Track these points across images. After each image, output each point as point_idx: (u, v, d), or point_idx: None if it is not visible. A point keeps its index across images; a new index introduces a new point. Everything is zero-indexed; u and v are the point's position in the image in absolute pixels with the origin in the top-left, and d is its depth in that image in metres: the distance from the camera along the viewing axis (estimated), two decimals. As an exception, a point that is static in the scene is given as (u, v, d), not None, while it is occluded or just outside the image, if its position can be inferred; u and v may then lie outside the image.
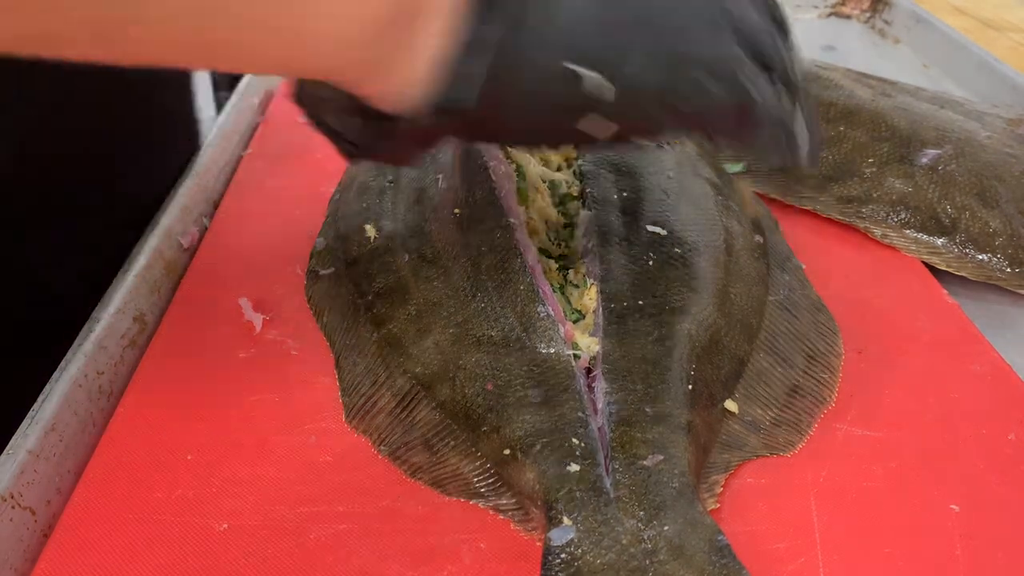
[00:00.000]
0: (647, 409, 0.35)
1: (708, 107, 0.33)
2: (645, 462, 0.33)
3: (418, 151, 0.35)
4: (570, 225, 0.46)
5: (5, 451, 0.35)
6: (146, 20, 0.25)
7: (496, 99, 0.30)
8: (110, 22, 0.24)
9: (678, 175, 0.49)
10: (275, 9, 0.26)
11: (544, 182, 0.48)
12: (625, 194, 0.46)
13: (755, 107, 0.33)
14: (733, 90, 0.32)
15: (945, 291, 0.49)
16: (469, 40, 0.29)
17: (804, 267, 0.49)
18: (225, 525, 0.34)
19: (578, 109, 0.31)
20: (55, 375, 0.39)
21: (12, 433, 0.36)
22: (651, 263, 0.42)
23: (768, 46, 0.33)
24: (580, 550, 0.30)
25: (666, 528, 0.31)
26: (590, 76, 0.30)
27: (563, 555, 0.30)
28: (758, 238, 0.49)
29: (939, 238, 0.51)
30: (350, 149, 0.34)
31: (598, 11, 0.30)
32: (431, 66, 0.29)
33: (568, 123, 0.32)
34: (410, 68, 0.29)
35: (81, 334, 0.41)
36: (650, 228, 0.44)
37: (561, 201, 0.48)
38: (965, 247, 0.51)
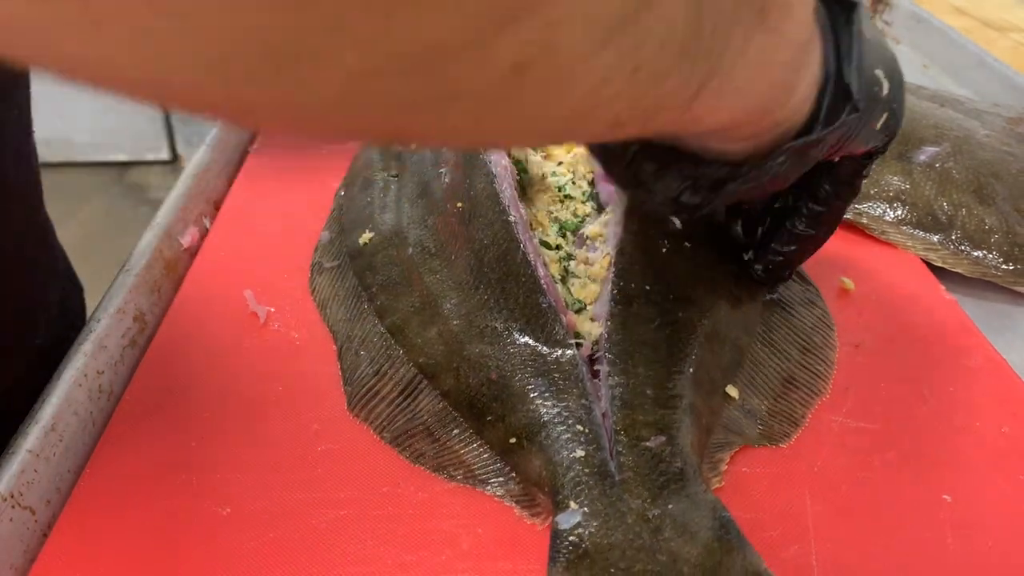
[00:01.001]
0: (648, 392, 0.36)
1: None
2: (648, 444, 0.34)
3: (764, 189, 0.35)
4: (576, 223, 0.47)
5: (5, 451, 0.35)
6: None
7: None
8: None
9: None
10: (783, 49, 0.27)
11: (544, 177, 0.49)
12: None
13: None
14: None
15: (943, 287, 0.49)
16: (838, 51, 0.30)
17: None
18: (228, 509, 0.34)
19: (879, 113, 0.34)
20: (55, 375, 0.38)
21: (12, 433, 0.35)
22: (664, 250, 0.42)
23: None
24: (587, 532, 0.31)
25: (670, 507, 0.32)
26: (887, 84, 0.33)
27: (571, 538, 0.31)
28: None
29: (935, 234, 0.52)
30: (688, 208, 0.34)
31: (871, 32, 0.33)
32: (816, 80, 0.30)
33: (873, 124, 0.34)
34: (807, 84, 0.30)
35: (81, 334, 0.41)
36: (671, 218, 0.45)
37: (561, 195, 0.49)
38: (961, 244, 0.51)
